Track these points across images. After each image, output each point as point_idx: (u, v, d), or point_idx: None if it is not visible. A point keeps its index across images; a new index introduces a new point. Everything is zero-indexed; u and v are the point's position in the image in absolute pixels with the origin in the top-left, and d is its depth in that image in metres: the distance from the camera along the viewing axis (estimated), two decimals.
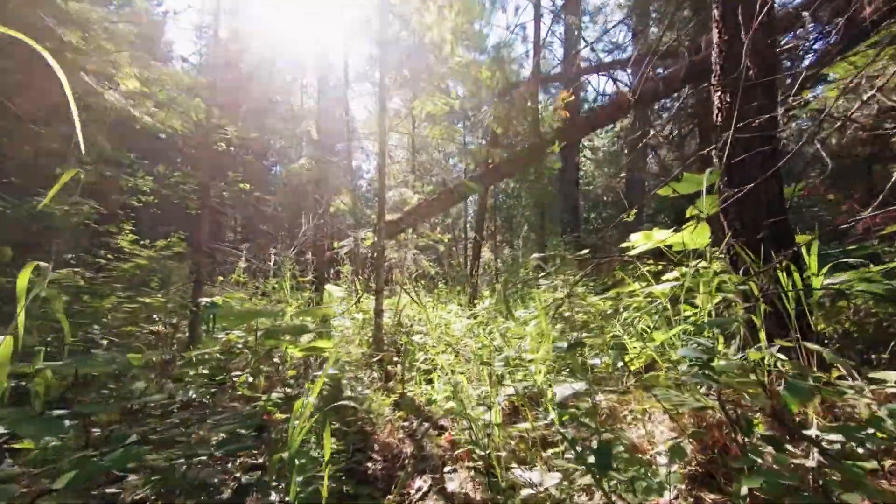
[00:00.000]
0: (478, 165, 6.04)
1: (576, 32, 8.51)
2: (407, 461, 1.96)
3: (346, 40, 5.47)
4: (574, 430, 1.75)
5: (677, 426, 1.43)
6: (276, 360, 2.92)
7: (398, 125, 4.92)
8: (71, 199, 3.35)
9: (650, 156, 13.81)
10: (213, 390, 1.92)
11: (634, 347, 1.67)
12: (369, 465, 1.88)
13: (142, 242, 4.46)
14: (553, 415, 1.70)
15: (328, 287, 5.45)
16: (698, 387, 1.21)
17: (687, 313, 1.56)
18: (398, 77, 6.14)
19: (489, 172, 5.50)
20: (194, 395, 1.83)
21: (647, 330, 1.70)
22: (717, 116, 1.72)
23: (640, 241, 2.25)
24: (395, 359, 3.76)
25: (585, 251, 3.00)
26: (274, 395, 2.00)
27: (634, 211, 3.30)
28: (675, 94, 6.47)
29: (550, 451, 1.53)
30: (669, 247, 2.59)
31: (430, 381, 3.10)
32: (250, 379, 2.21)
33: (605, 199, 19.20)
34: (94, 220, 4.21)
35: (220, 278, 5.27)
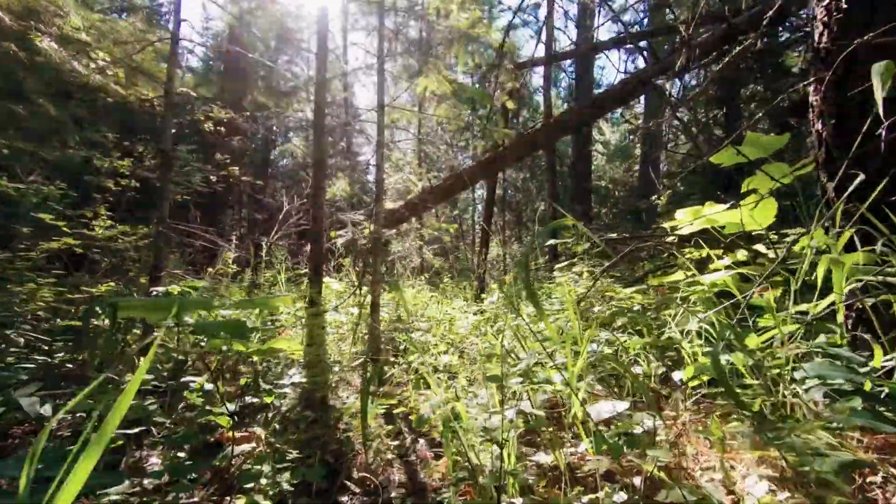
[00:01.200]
0: (486, 151, 5.61)
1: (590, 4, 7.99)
2: (394, 493, 1.55)
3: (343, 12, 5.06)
4: (613, 462, 1.32)
5: (769, 467, 1.00)
6: (254, 361, 2.54)
7: (399, 98, 4.50)
8: (28, 179, 2.98)
9: (669, 145, 13.27)
10: (151, 403, 1.53)
11: (700, 354, 1.25)
12: (345, 499, 1.48)
13: (120, 229, 4.11)
14: (586, 443, 1.27)
15: (326, 280, 5.08)
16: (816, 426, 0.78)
17: (801, 308, 1.12)
18: (401, 58, 5.71)
19: (499, 157, 5.06)
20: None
21: (713, 331, 1.27)
22: (820, 35, 1.26)
23: (686, 220, 1.80)
24: (392, 359, 3.37)
25: (613, 235, 2.56)
26: (231, 406, 1.61)
27: (669, 191, 2.85)
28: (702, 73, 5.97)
29: (585, 498, 1.11)
30: (720, 229, 2.15)
31: (429, 386, 2.69)
32: (208, 385, 1.81)
33: (616, 193, 18.64)
34: (69, 204, 3.87)
35: (210, 269, 4.92)
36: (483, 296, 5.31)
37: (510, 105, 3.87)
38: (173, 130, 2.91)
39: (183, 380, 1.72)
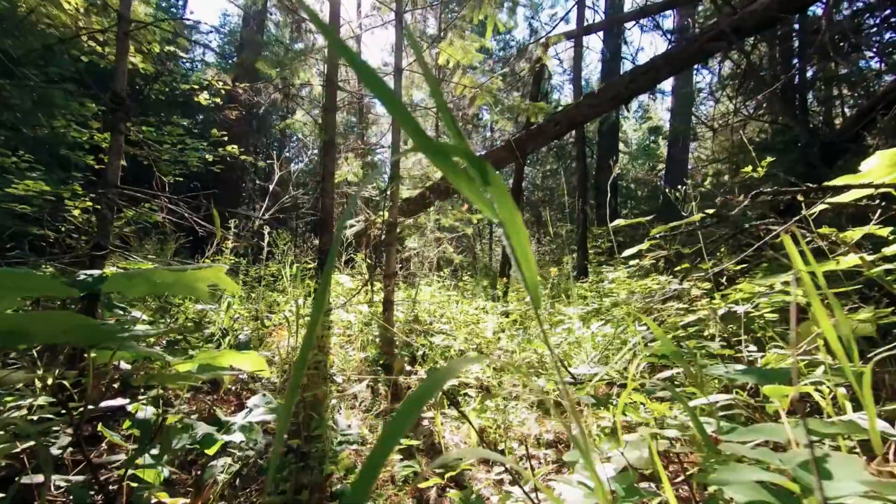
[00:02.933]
0: (515, 135, 5.02)
1: None
2: None
3: None
4: None
5: None
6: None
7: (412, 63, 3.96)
8: None
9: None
10: (38, 443, 0.96)
11: None
12: None
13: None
14: None
15: (336, 276, 4.54)
16: None
17: None
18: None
19: (530, 135, 4.45)
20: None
21: None
22: None
23: (872, 172, 1.16)
24: (408, 368, 2.78)
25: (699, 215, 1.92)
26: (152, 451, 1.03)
27: (751, 169, 2.20)
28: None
29: None
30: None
31: (456, 404, 2.08)
32: (144, 412, 1.24)
33: (638, 193, 17.86)
34: (40, 179, 3.39)
35: (206, 260, 4.41)
36: (508, 294, 4.71)
37: (546, 59, 3.28)
38: (159, 87, 2.36)
39: (108, 404, 1.16)
